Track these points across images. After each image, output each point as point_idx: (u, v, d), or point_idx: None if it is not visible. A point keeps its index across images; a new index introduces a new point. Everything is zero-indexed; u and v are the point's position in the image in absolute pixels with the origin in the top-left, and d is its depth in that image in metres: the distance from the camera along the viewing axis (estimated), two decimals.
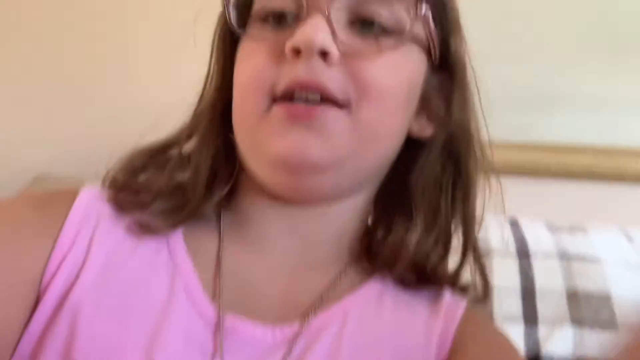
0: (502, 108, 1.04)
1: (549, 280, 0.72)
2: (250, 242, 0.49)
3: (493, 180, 0.52)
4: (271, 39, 0.45)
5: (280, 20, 0.45)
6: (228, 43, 0.51)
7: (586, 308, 0.69)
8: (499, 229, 0.80)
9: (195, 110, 0.53)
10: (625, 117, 1.02)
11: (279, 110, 0.44)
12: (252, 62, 0.46)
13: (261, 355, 0.43)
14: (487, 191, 0.52)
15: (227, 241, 0.49)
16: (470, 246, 0.51)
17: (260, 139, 0.45)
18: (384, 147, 0.48)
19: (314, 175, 0.45)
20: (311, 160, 0.43)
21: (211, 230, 0.50)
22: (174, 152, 0.52)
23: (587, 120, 1.03)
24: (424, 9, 0.46)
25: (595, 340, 0.66)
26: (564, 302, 0.70)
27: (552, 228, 0.82)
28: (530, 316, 0.69)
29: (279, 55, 0.44)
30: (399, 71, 0.46)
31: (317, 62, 0.43)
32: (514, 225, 0.82)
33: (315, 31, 0.42)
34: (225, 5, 0.48)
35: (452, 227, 0.51)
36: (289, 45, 0.43)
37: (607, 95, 1.02)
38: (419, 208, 0.50)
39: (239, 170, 0.50)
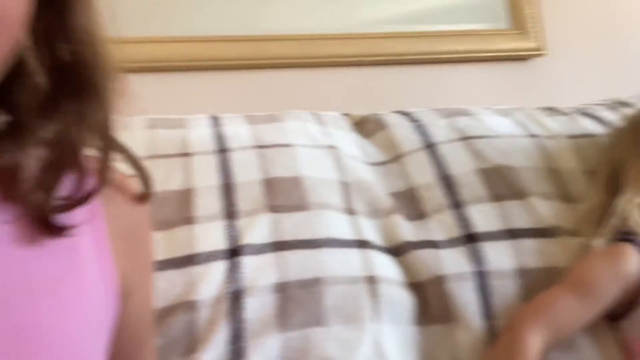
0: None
1: (247, 173, 0.74)
2: None
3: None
4: None
5: None
6: None
7: (280, 194, 0.73)
8: (199, 128, 0.80)
9: None
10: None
11: None
12: None
13: None
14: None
15: None
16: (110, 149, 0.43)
17: None
18: None
19: None
20: None
21: None
22: None
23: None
24: None
25: (290, 222, 0.71)
26: (260, 191, 0.73)
27: (251, 121, 0.83)
28: (230, 212, 0.71)
29: None
30: None
31: None
32: (215, 122, 0.82)
33: None
34: None
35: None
36: None
37: None
38: None
39: None
